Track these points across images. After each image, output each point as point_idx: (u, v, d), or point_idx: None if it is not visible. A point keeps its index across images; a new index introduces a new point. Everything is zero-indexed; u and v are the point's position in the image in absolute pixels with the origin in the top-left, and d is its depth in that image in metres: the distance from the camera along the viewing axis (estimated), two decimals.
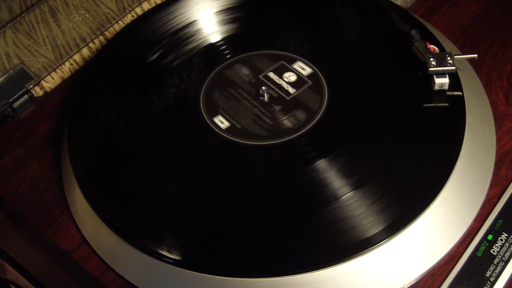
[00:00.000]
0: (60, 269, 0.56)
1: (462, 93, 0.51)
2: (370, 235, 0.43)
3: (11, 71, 0.58)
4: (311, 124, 0.51)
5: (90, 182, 0.50)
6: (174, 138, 0.53)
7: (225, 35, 0.60)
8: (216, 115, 0.53)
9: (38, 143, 0.56)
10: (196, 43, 0.59)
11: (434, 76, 0.51)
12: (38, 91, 0.60)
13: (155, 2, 0.66)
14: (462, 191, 0.47)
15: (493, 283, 0.44)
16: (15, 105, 0.58)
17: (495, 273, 0.44)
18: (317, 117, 0.51)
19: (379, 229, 0.44)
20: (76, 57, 0.63)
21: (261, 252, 0.44)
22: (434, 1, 0.63)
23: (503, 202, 0.47)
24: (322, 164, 0.48)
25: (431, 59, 0.51)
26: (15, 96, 0.58)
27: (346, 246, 0.43)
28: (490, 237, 0.46)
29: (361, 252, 0.43)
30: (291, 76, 0.54)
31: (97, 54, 0.62)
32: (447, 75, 0.51)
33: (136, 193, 0.49)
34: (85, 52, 0.63)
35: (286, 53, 0.56)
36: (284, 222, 0.45)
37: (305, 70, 0.54)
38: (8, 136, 0.57)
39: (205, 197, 0.48)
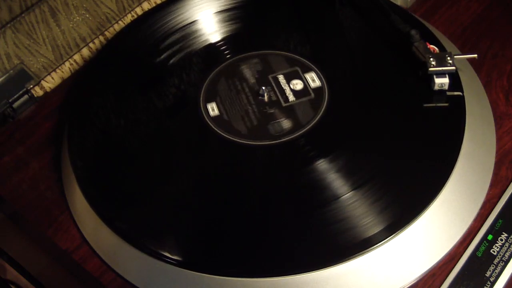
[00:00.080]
0: (60, 269, 0.56)
1: (463, 93, 0.51)
2: (370, 235, 0.43)
3: (11, 71, 0.58)
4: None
5: (90, 182, 0.50)
6: (174, 138, 0.53)
7: (225, 35, 0.60)
8: (211, 101, 0.53)
9: (38, 143, 0.56)
10: (196, 43, 0.59)
11: (434, 76, 0.51)
12: (38, 91, 0.60)
13: (155, 2, 0.66)
14: (462, 191, 0.47)
15: (493, 283, 0.44)
16: (15, 105, 0.58)
17: (495, 273, 0.44)
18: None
19: (379, 229, 0.44)
20: (76, 57, 0.63)
21: (261, 252, 0.44)
22: (434, 1, 0.63)
23: (503, 202, 0.47)
24: (322, 164, 0.48)
25: (431, 59, 0.51)
26: (15, 96, 0.58)
27: (346, 246, 0.43)
28: (490, 237, 0.46)
29: (361, 252, 0.43)
30: (298, 85, 0.53)
31: (97, 54, 0.62)
32: (447, 75, 0.51)
33: (136, 193, 0.49)
34: (85, 52, 0.63)
35: (305, 61, 0.55)
36: (284, 222, 0.45)
37: (315, 82, 0.53)
38: (8, 136, 0.57)
39: (205, 197, 0.48)
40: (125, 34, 0.62)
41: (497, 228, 0.46)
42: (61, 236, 0.49)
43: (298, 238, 0.44)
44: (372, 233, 0.43)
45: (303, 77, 0.54)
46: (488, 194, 0.48)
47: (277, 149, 0.50)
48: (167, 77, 0.56)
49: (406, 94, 0.53)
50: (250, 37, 0.59)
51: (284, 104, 0.53)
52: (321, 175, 0.47)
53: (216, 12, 0.61)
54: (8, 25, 0.57)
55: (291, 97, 0.53)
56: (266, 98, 0.53)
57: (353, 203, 0.45)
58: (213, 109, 0.52)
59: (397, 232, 0.44)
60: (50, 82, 0.61)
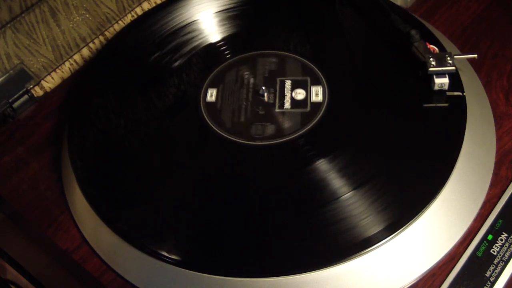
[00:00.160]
0: (60, 269, 0.56)
1: (463, 93, 0.51)
2: (370, 235, 0.43)
3: (11, 71, 0.58)
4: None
5: (90, 182, 0.50)
6: (174, 138, 0.53)
7: (225, 35, 0.60)
8: (214, 87, 0.53)
9: (38, 143, 0.56)
10: (196, 43, 0.59)
11: (434, 76, 0.51)
12: (38, 91, 0.60)
13: (155, 2, 0.66)
14: (462, 191, 0.47)
15: (493, 283, 0.44)
16: (15, 105, 0.58)
17: (495, 273, 0.44)
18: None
19: (379, 229, 0.44)
20: (76, 57, 0.63)
21: (261, 252, 0.44)
22: (434, 1, 0.63)
23: (503, 202, 0.47)
24: (322, 164, 0.48)
25: (431, 59, 0.51)
26: (15, 96, 0.58)
27: (346, 246, 0.43)
28: (490, 237, 0.46)
29: (361, 252, 0.43)
30: (300, 94, 0.53)
31: (97, 54, 0.62)
32: (447, 75, 0.51)
33: (136, 193, 0.49)
34: (85, 52, 0.63)
35: (318, 72, 0.54)
36: (284, 222, 0.45)
37: (317, 97, 0.52)
38: (8, 136, 0.57)
39: (205, 197, 0.48)
40: (125, 34, 0.62)
41: (497, 228, 0.46)
42: (61, 236, 0.49)
43: (298, 238, 0.44)
44: (372, 233, 0.43)
45: (308, 88, 0.53)
46: (488, 194, 0.48)
47: (277, 149, 0.50)
48: (167, 77, 0.56)
49: (406, 94, 0.53)
50: (250, 37, 0.59)
51: (277, 110, 0.52)
52: (321, 175, 0.47)
53: (216, 12, 0.61)
54: (8, 25, 0.57)
55: (287, 105, 0.52)
56: (266, 98, 0.53)
57: (353, 203, 0.45)
58: (211, 95, 0.52)
59: (397, 232, 0.44)
60: (50, 82, 0.61)
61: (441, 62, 0.51)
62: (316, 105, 0.52)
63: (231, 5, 0.61)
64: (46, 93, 0.61)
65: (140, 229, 0.47)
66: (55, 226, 0.50)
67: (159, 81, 0.56)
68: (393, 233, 0.43)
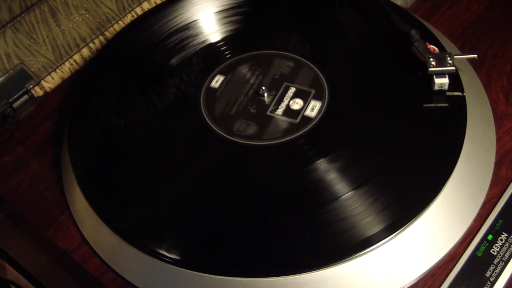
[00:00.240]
0: (60, 269, 0.56)
1: (463, 93, 0.51)
2: (370, 235, 0.43)
3: (11, 71, 0.58)
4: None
5: (90, 182, 0.50)
6: (174, 138, 0.53)
7: (225, 35, 0.60)
8: (223, 74, 0.54)
9: (38, 143, 0.56)
10: (196, 43, 0.59)
11: (434, 76, 0.51)
12: (38, 91, 0.60)
13: (155, 2, 0.66)
14: (462, 191, 0.47)
15: (493, 283, 0.44)
16: (15, 105, 0.58)
17: (495, 273, 0.44)
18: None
19: (379, 229, 0.44)
20: (76, 57, 0.63)
21: (261, 252, 0.44)
22: (434, 1, 0.63)
23: (503, 202, 0.47)
24: (322, 164, 0.48)
25: (431, 59, 0.51)
26: (15, 96, 0.58)
27: (346, 246, 0.43)
28: (490, 237, 0.46)
29: (361, 252, 0.43)
30: (296, 104, 0.52)
31: (97, 54, 0.62)
32: (447, 75, 0.51)
33: (136, 193, 0.49)
34: (85, 52, 0.63)
35: (326, 87, 0.53)
36: (284, 222, 0.45)
37: (312, 112, 0.51)
38: (8, 136, 0.57)
39: (205, 197, 0.48)
40: (125, 34, 0.62)
41: (497, 228, 0.46)
42: (61, 236, 0.49)
43: (298, 238, 0.44)
44: (372, 233, 0.43)
45: (308, 101, 0.52)
46: (488, 194, 0.48)
47: (277, 149, 0.50)
48: (167, 77, 0.56)
49: (406, 94, 0.53)
50: (250, 37, 0.59)
51: (268, 112, 0.52)
52: (321, 175, 0.47)
53: (216, 12, 0.61)
54: (8, 25, 0.57)
55: (279, 111, 0.52)
56: (266, 99, 0.53)
57: (353, 203, 0.45)
58: (217, 81, 0.52)
59: (397, 232, 0.44)
60: (50, 82, 0.61)
61: (441, 62, 0.51)
62: (306, 120, 0.51)
63: (231, 5, 0.61)
64: (46, 93, 0.61)
65: (140, 229, 0.47)
66: (55, 226, 0.50)
67: (159, 81, 0.56)
68: (393, 233, 0.43)
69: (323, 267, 0.43)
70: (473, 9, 0.62)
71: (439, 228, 0.45)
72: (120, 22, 0.65)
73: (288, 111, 0.52)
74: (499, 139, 0.51)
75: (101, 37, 0.64)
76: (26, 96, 0.59)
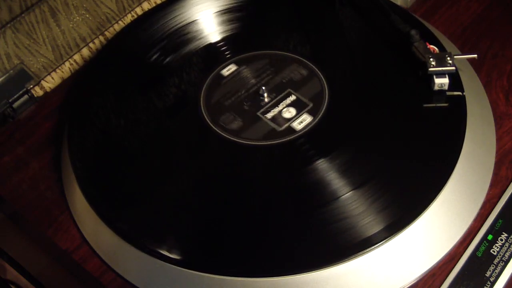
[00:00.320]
0: (60, 269, 0.56)
1: (463, 93, 0.51)
2: (370, 235, 0.43)
3: (11, 71, 0.58)
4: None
5: (90, 182, 0.50)
6: (174, 138, 0.53)
7: (225, 35, 0.60)
8: (238, 64, 0.55)
9: (38, 143, 0.56)
10: (196, 43, 0.59)
11: (434, 76, 0.51)
12: (38, 91, 0.60)
13: (155, 2, 0.66)
14: (462, 191, 0.47)
15: (493, 283, 0.44)
16: (15, 105, 0.58)
17: (495, 273, 0.44)
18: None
19: (379, 229, 0.44)
20: (76, 57, 0.63)
21: (261, 252, 0.44)
22: (434, 1, 0.63)
23: (503, 202, 0.47)
24: (322, 164, 0.48)
25: (431, 59, 0.51)
26: (15, 96, 0.58)
27: (346, 246, 0.43)
28: (490, 237, 0.46)
29: (361, 252, 0.43)
30: (288, 113, 0.52)
31: (97, 54, 0.62)
32: (447, 75, 0.51)
33: (136, 193, 0.49)
34: (85, 52, 0.63)
35: (325, 104, 0.52)
36: (284, 222, 0.45)
37: (299, 125, 0.50)
38: (8, 136, 0.57)
39: (205, 197, 0.48)
40: (125, 34, 0.62)
41: (497, 228, 0.46)
42: (61, 236, 0.49)
43: (298, 238, 0.44)
44: (372, 233, 0.43)
45: (301, 113, 0.52)
46: (488, 194, 0.48)
47: (277, 149, 0.50)
48: (167, 77, 0.56)
49: (406, 94, 0.53)
50: (250, 37, 0.59)
51: (258, 113, 0.52)
52: (321, 175, 0.47)
53: (216, 12, 0.61)
54: (8, 25, 0.57)
55: (269, 115, 0.52)
56: (265, 99, 0.53)
57: (353, 203, 0.45)
58: (229, 70, 0.53)
59: (397, 232, 0.44)
60: (50, 82, 0.61)
61: (441, 62, 0.51)
62: (290, 131, 0.51)
63: (231, 5, 0.61)
64: (46, 93, 0.61)
65: (140, 229, 0.47)
66: (55, 226, 0.50)
67: (159, 81, 0.56)
68: (393, 233, 0.43)
69: (323, 267, 0.43)
70: (473, 9, 0.62)
71: (439, 228, 0.45)
72: (120, 22, 0.65)
73: (278, 117, 0.52)
74: (499, 139, 0.51)
75: (101, 37, 0.64)
76: (26, 96, 0.59)
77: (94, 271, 0.47)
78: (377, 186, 0.46)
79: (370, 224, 0.44)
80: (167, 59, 0.58)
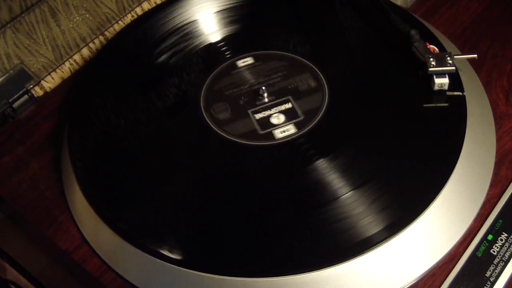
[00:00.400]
0: (60, 269, 0.56)
1: (463, 93, 0.51)
2: (370, 235, 0.43)
3: (11, 71, 0.58)
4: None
5: (90, 182, 0.50)
6: (174, 138, 0.53)
7: (225, 35, 0.60)
8: (255, 59, 0.55)
9: (38, 143, 0.56)
10: (196, 43, 0.59)
11: (434, 76, 0.51)
12: (38, 91, 0.60)
13: (155, 2, 0.66)
14: (462, 191, 0.47)
15: (493, 283, 0.44)
16: (15, 105, 0.58)
17: (495, 273, 0.44)
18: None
19: (379, 229, 0.44)
20: (76, 57, 0.63)
21: (261, 252, 0.44)
22: (434, 1, 0.63)
23: (503, 202, 0.47)
24: (322, 164, 0.48)
25: (431, 59, 0.51)
26: (15, 96, 0.58)
27: (346, 246, 0.43)
28: (490, 237, 0.46)
29: (361, 252, 0.43)
30: (276, 119, 0.51)
31: (97, 54, 0.62)
32: (447, 75, 0.51)
33: (136, 193, 0.49)
34: (85, 52, 0.63)
35: (311, 121, 0.51)
36: (284, 222, 0.45)
37: (281, 134, 0.50)
38: (8, 136, 0.57)
39: (205, 197, 0.48)
40: (125, 34, 0.62)
41: (497, 228, 0.46)
42: (61, 236, 0.49)
43: (298, 238, 0.44)
44: (372, 233, 0.43)
45: (288, 123, 0.51)
46: (488, 194, 0.48)
47: (277, 149, 0.50)
48: (167, 77, 0.56)
49: (406, 94, 0.53)
50: (250, 37, 0.59)
51: (249, 111, 0.52)
52: (321, 175, 0.47)
53: (216, 12, 0.61)
54: (8, 25, 0.57)
55: (259, 116, 0.52)
56: (265, 99, 0.53)
57: (353, 203, 0.45)
58: (245, 62, 0.54)
59: (397, 232, 0.44)
60: (50, 82, 0.61)
61: (441, 62, 0.51)
62: (268, 136, 0.50)
63: (231, 5, 0.62)
64: (46, 93, 0.61)
65: (140, 229, 0.47)
66: (55, 226, 0.50)
67: (159, 81, 0.56)
68: (393, 233, 0.43)
69: (323, 267, 0.43)
70: (473, 9, 0.62)
71: (439, 228, 0.45)
72: (120, 22, 0.65)
73: (265, 120, 0.52)
74: (499, 139, 0.51)
75: (101, 37, 0.64)
76: (26, 96, 0.59)
77: (94, 271, 0.47)
78: (377, 186, 0.46)
79: (370, 224, 0.44)
80: (167, 59, 0.58)
